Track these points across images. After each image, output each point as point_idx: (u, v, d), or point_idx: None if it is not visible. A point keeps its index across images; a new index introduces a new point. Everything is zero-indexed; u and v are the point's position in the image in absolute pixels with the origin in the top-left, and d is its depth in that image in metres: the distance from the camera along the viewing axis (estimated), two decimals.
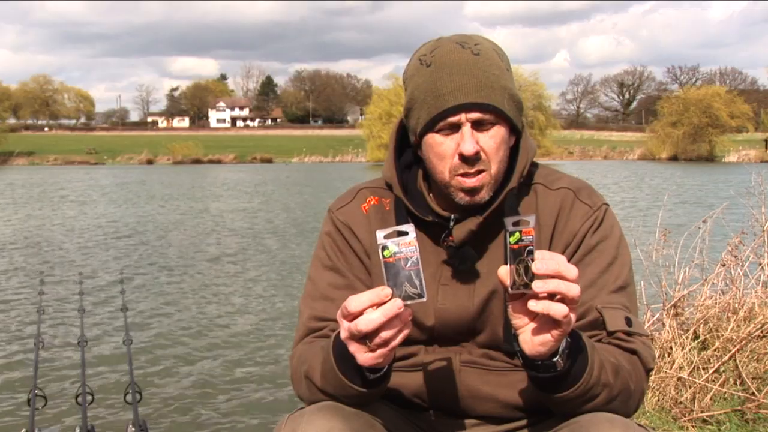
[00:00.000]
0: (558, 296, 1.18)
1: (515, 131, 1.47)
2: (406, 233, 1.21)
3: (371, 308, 1.20)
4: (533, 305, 1.18)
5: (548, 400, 1.34)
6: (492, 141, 1.41)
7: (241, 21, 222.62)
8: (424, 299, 1.20)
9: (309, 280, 1.58)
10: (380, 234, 1.22)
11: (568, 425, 1.34)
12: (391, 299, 1.19)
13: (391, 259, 1.20)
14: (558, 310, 1.18)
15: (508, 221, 1.20)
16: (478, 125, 1.40)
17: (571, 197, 1.49)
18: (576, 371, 1.29)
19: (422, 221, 1.48)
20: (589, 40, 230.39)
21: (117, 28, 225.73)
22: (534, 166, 1.54)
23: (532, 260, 1.17)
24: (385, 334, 1.20)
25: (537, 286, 1.17)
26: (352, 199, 1.59)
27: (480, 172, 1.41)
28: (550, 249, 1.46)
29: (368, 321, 1.20)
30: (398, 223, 1.49)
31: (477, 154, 1.39)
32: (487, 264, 1.46)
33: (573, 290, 1.18)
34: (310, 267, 1.59)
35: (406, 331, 1.22)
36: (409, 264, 1.20)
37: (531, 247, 1.18)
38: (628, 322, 1.41)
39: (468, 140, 1.39)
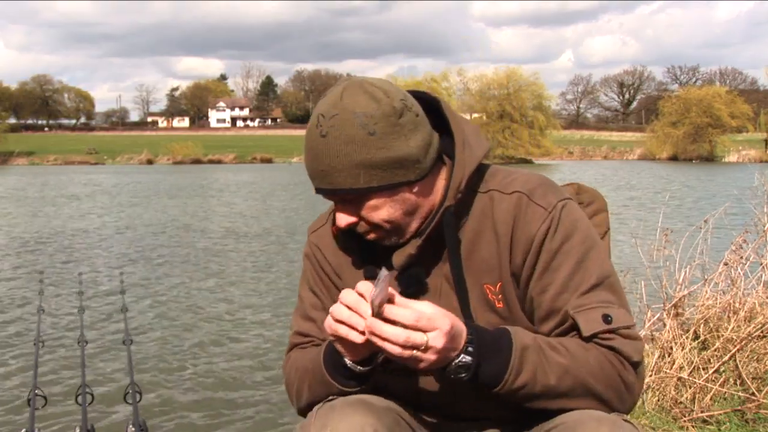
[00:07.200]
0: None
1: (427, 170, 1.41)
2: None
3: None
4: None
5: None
6: (370, 211, 1.40)
7: (247, 21, 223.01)
8: None
9: (298, 296, 1.64)
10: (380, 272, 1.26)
11: (556, 425, 1.34)
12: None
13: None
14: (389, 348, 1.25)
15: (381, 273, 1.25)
16: (348, 201, 1.41)
17: (525, 201, 1.43)
18: (489, 375, 1.31)
19: (372, 247, 1.48)
20: (595, 40, 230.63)
21: (123, 28, 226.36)
22: (485, 169, 1.50)
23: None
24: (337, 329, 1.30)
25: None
26: (325, 222, 1.61)
27: (379, 229, 1.43)
28: (510, 258, 1.43)
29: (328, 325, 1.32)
30: (347, 248, 1.55)
31: (351, 225, 1.42)
32: (439, 278, 1.46)
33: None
34: (299, 284, 1.64)
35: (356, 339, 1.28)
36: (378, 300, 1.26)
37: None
38: (606, 318, 1.36)
39: (337, 218, 1.43)
